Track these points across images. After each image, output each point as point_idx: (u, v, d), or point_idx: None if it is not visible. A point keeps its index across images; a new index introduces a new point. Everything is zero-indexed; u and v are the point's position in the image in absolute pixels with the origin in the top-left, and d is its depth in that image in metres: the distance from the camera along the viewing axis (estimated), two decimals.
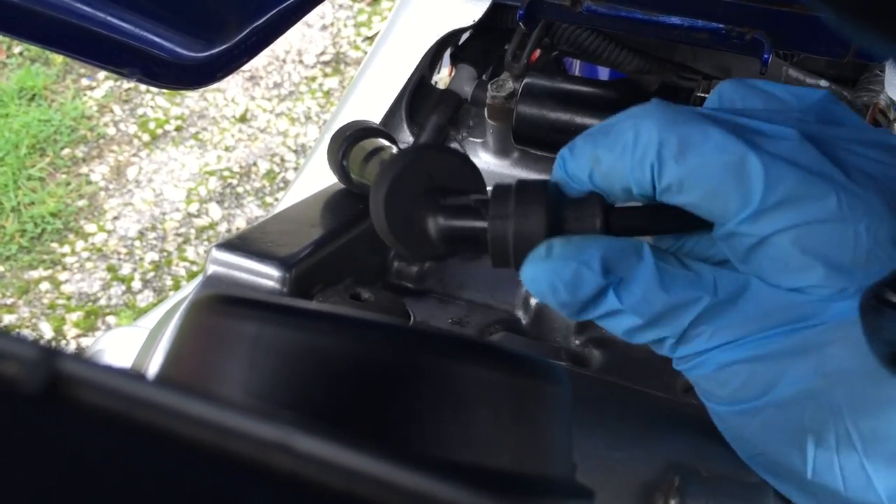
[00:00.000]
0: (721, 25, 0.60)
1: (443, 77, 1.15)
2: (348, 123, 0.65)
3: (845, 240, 0.38)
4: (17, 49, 2.90)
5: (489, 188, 0.45)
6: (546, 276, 0.41)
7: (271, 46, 0.69)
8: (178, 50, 0.61)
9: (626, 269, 0.40)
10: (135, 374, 0.17)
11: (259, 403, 0.25)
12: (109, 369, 0.17)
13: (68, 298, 2.35)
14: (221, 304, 0.28)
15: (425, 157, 0.47)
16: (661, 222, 0.43)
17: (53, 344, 0.17)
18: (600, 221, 0.42)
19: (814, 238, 0.38)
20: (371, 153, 0.59)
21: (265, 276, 0.55)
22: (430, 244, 0.46)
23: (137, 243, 2.50)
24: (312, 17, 2.99)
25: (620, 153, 0.40)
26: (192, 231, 2.54)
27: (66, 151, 2.68)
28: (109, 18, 0.56)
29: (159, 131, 2.79)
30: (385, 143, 0.63)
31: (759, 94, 0.43)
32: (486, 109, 0.97)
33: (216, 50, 0.63)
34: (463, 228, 0.45)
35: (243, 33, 0.65)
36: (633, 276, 0.40)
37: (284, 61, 3.03)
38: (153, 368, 0.54)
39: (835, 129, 0.41)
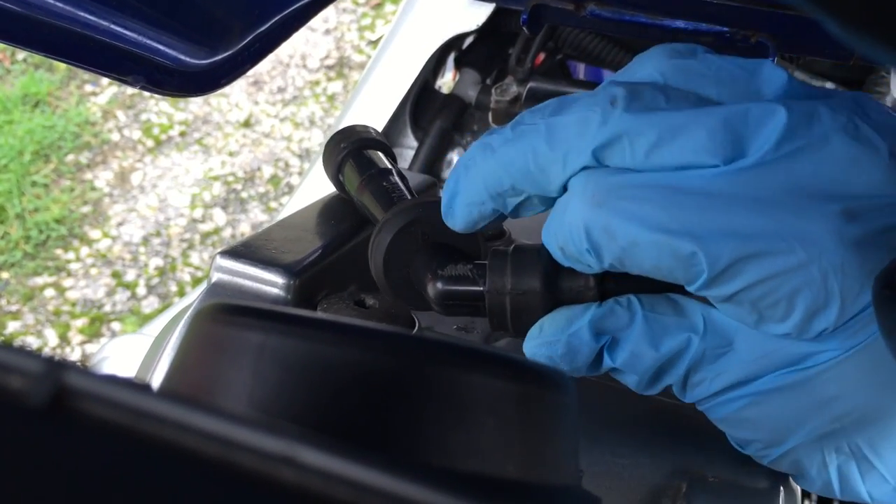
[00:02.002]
0: (726, 29, 0.60)
1: (447, 81, 1.15)
2: (342, 130, 0.64)
3: (812, 281, 0.37)
4: (20, 56, 2.91)
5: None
6: (542, 353, 0.42)
7: (275, 51, 0.69)
8: (182, 57, 0.61)
9: (615, 328, 0.41)
10: (140, 386, 0.17)
11: (264, 416, 0.25)
12: (115, 381, 0.17)
13: (73, 305, 2.35)
14: (225, 313, 0.27)
15: (420, 216, 0.48)
16: (661, 285, 0.42)
17: (58, 357, 0.17)
18: (594, 294, 0.43)
19: (779, 289, 0.37)
20: (366, 180, 0.59)
21: (270, 283, 0.55)
22: (430, 305, 0.47)
23: (142, 249, 2.50)
24: (316, 21, 3.00)
25: (566, 240, 0.40)
26: (197, 236, 2.54)
27: (71, 157, 2.69)
28: (113, 27, 0.56)
29: (163, 137, 2.79)
30: (381, 161, 0.61)
31: (706, 76, 0.41)
32: (490, 113, 0.97)
33: (220, 57, 0.63)
34: (461, 297, 0.46)
35: (247, 40, 0.65)
36: (622, 334, 0.41)
37: (288, 65, 3.03)
38: (158, 377, 0.54)
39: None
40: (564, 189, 0.41)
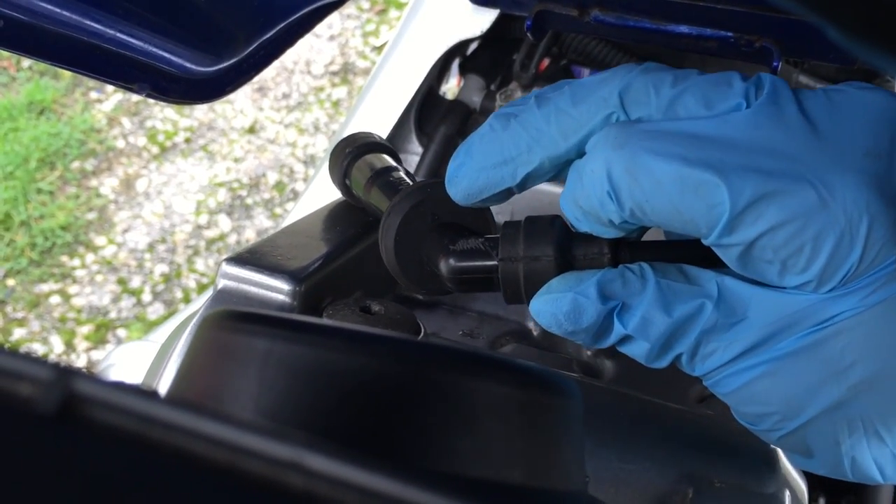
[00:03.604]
0: (730, 34, 0.60)
1: (451, 87, 1.16)
2: (348, 137, 0.65)
3: (835, 222, 0.36)
4: (25, 63, 2.92)
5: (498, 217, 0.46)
6: (547, 309, 0.42)
7: (279, 57, 0.69)
8: (187, 65, 0.61)
9: (626, 293, 0.41)
10: (149, 393, 0.17)
11: (271, 423, 0.25)
12: (123, 388, 0.17)
13: (79, 312, 2.35)
14: (232, 320, 0.28)
15: (430, 196, 0.48)
16: (672, 254, 0.42)
17: (68, 364, 0.17)
18: (608, 259, 0.42)
19: (803, 232, 0.37)
20: (373, 177, 0.59)
21: (275, 289, 0.55)
22: (443, 284, 0.47)
23: (147, 256, 2.50)
24: (320, 27, 3.00)
25: (586, 190, 0.40)
26: (202, 243, 2.55)
27: (76, 165, 2.69)
28: (118, 35, 0.56)
29: (168, 143, 2.80)
30: (387, 160, 0.62)
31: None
32: None
33: (225, 64, 0.64)
34: (474, 270, 0.45)
35: (251, 47, 0.65)
36: (633, 299, 0.41)
37: (293, 72, 3.04)
38: (164, 384, 0.55)
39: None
40: (581, 155, 0.41)
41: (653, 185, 0.38)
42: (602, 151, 0.39)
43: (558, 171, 0.42)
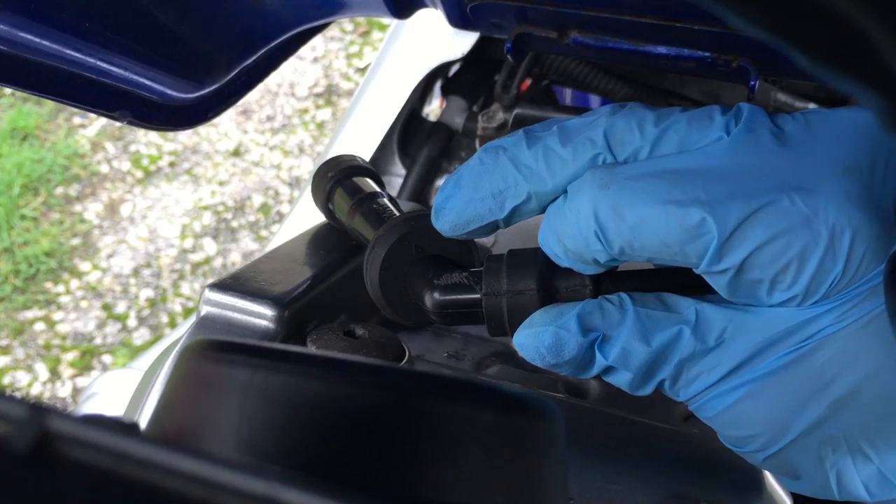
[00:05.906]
0: (707, 54, 0.61)
1: (434, 109, 1.16)
2: (329, 161, 0.65)
3: (819, 237, 0.37)
4: (8, 89, 2.91)
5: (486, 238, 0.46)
6: (530, 342, 0.42)
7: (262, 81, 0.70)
8: (169, 92, 0.61)
9: (605, 324, 0.41)
10: (123, 429, 0.17)
11: (247, 458, 0.25)
12: (98, 424, 0.17)
13: (63, 338, 2.34)
14: (212, 349, 0.27)
15: (414, 228, 0.49)
16: (653, 283, 0.43)
17: (42, 402, 0.17)
18: (590, 291, 0.43)
19: (789, 248, 0.37)
20: (356, 203, 0.59)
21: (259, 315, 0.55)
22: (427, 316, 0.47)
23: (132, 280, 2.49)
24: (304, 49, 3.00)
25: (571, 229, 0.40)
26: (188, 266, 2.54)
27: (60, 190, 2.68)
28: (99, 63, 0.56)
29: (153, 167, 2.79)
30: (371, 185, 0.62)
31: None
32: (477, 140, 0.97)
33: (206, 91, 0.64)
34: (458, 304, 0.46)
35: (233, 73, 0.65)
36: (612, 330, 0.41)
37: (277, 94, 3.04)
38: (147, 414, 0.54)
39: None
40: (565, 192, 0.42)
41: (640, 223, 0.38)
42: (588, 192, 0.39)
43: (544, 208, 0.43)
